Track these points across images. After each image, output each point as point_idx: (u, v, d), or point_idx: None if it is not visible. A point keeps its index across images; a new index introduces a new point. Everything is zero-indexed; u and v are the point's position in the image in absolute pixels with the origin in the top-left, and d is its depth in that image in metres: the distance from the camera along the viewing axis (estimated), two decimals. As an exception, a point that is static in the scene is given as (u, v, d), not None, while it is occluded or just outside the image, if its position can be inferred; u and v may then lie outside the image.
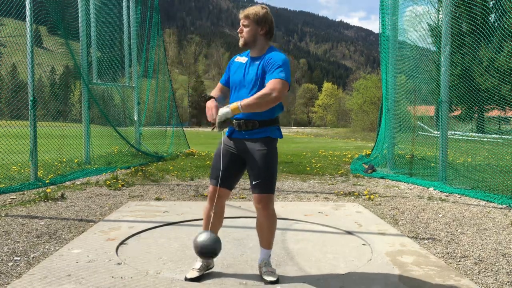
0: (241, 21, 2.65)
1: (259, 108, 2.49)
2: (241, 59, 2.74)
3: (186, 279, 2.64)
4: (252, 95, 2.54)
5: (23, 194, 5.43)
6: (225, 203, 2.84)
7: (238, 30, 2.67)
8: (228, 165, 2.69)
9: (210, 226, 2.73)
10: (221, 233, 2.83)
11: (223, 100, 2.80)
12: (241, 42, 2.65)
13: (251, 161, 2.61)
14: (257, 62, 2.61)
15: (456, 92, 7.03)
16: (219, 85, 2.86)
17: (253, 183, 2.61)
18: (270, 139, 2.63)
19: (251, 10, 2.62)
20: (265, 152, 2.59)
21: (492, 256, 3.23)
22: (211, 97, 2.68)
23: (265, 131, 2.61)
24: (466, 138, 8.37)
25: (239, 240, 3.51)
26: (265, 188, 2.59)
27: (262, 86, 2.55)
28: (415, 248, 3.33)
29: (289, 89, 2.56)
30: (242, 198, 5.50)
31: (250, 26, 2.61)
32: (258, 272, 2.73)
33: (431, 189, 6.42)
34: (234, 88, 2.70)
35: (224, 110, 2.50)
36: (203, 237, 2.58)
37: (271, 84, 2.46)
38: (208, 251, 2.57)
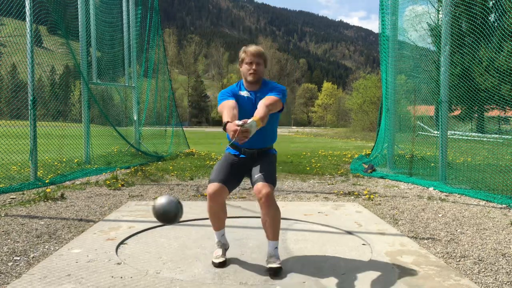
0: (255, 59, 2.79)
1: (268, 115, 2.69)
2: (243, 93, 2.88)
3: (215, 264, 2.84)
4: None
5: (23, 194, 5.43)
6: (225, 203, 2.94)
7: (253, 67, 2.79)
8: (231, 171, 2.85)
9: (219, 220, 2.92)
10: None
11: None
12: (254, 78, 2.81)
13: (257, 163, 2.84)
14: (259, 94, 2.84)
15: (456, 92, 7.03)
16: (231, 103, 2.72)
17: (256, 176, 2.73)
18: (273, 155, 3.02)
19: (262, 50, 2.83)
20: (271, 158, 2.93)
21: (491, 256, 3.23)
22: (227, 123, 2.53)
23: (268, 150, 3.01)
24: (466, 138, 8.38)
25: (239, 240, 3.51)
26: (268, 179, 2.71)
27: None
28: (415, 248, 3.33)
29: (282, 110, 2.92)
30: (242, 198, 5.50)
31: (263, 65, 2.85)
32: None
33: (431, 189, 6.42)
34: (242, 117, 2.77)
35: (252, 124, 2.44)
36: (162, 200, 2.38)
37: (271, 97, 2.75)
38: (168, 215, 2.37)
